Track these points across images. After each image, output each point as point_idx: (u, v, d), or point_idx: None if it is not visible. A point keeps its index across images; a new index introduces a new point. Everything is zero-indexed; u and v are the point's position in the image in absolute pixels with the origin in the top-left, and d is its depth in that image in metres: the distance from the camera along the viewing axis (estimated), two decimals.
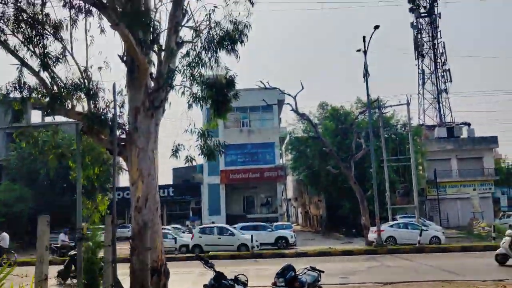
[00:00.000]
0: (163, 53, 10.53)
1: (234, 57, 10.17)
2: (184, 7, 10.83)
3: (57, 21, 10.62)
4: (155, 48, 10.56)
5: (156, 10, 10.48)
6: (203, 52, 10.17)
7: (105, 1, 9.39)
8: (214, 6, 9.89)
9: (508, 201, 46.86)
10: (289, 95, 31.22)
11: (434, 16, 54.71)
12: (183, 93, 10.13)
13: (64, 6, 10.51)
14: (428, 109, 56.05)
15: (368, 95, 27.18)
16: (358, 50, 25.68)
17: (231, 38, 10.01)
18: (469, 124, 52.30)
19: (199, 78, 10.38)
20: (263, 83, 29.29)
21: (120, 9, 10.18)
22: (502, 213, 42.14)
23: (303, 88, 29.41)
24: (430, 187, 45.96)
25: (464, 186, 46.55)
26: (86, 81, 10.33)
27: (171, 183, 51.97)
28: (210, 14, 9.93)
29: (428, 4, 54.87)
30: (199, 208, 45.94)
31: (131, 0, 10.08)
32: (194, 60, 10.19)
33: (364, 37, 25.08)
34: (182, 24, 10.74)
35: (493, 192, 47.14)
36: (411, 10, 55.10)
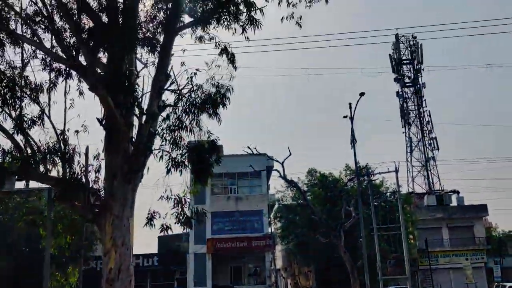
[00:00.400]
0: (144, 117, 10.29)
1: (216, 120, 9.93)
2: (167, 71, 10.74)
3: (37, 84, 10.44)
4: (137, 111, 10.32)
5: (137, 73, 10.32)
6: (184, 115, 9.93)
7: (85, 63, 9.24)
8: (196, 70, 9.79)
9: (501, 271, 45.67)
10: (277, 161, 31.03)
11: (418, 86, 56.12)
12: (161, 157, 9.73)
13: (44, 69, 10.36)
14: (417, 177, 56.04)
15: (356, 162, 27.05)
16: (345, 117, 25.85)
17: (213, 102, 9.82)
18: (458, 192, 52.13)
19: (179, 142, 10.06)
20: (250, 149, 29.13)
21: (101, 72, 10.05)
22: (496, 284, 40.94)
23: (290, 154, 29.29)
24: (422, 257, 44.84)
25: (456, 255, 45.54)
26: (62, 144, 9.97)
27: (156, 251, 50.26)
28: (191, 77, 9.79)
29: (412, 75, 56.42)
30: (184, 279, 44.13)
31: (112, 63, 9.97)
32: (174, 124, 9.92)
33: (350, 104, 25.36)
34: (165, 87, 10.58)
35: (486, 262, 46.08)
36: (396, 80, 56.55)
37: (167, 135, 9.88)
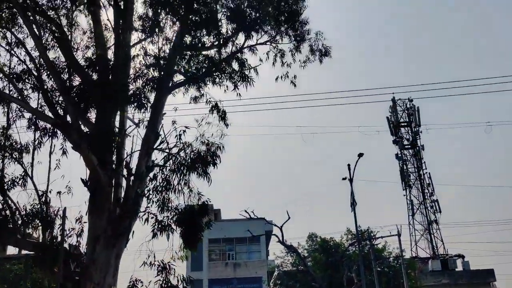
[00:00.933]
0: (131, 177, 9.81)
1: (206, 181, 9.44)
2: (157, 130, 10.41)
3: (22, 145, 10.07)
4: (124, 171, 9.87)
5: (125, 131, 9.96)
6: (172, 175, 9.45)
7: (69, 120, 8.90)
8: (186, 127, 9.42)
9: None
10: (276, 225, 30.10)
11: (417, 148, 55.98)
12: (146, 220, 9.14)
13: (29, 127, 10.02)
14: (420, 241, 54.54)
15: (356, 225, 26.19)
16: (344, 179, 25.31)
17: (203, 161, 9.37)
18: (463, 257, 50.52)
19: (167, 204, 9.50)
20: (247, 213, 28.34)
21: (88, 130, 9.69)
22: None
23: (289, 217, 28.42)
24: None
25: None
26: (43, 207, 9.42)
27: None
28: (180, 135, 9.41)
29: (410, 137, 56.46)
30: None
31: (100, 122, 9.65)
32: (161, 184, 9.42)
33: (349, 165, 24.91)
34: (154, 147, 10.18)
35: None
36: (394, 142, 56.49)
37: (154, 196, 9.35)
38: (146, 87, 11.26)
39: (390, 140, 56.62)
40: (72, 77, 9.99)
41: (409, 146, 56.37)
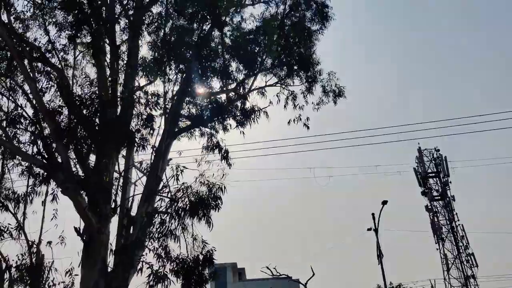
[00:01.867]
0: (130, 225, 9.09)
1: (208, 226, 8.61)
2: (159, 174, 9.78)
3: (15, 192, 9.54)
4: (125, 221, 9.16)
5: (121, 173, 9.33)
6: (171, 221, 8.66)
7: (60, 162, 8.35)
8: (183, 167, 8.73)
9: None
10: (300, 282, 28.54)
11: (448, 199, 53.86)
12: (140, 270, 8.29)
13: (22, 174, 9.51)
14: None
15: (385, 280, 24.46)
16: (369, 229, 23.90)
17: (203, 204, 8.59)
18: None
19: (166, 253, 8.65)
20: (270, 269, 27.00)
21: (83, 176, 9.11)
22: None
23: (314, 274, 26.93)
24: None
25: None
26: (34, 257, 8.72)
27: None
28: (178, 175, 8.72)
29: (440, 188, 54.50)
30: None
31: (97, 165, 9.07)
32: (160, 231, 8.63)
33: (373, 214, 23.55)
34: (156, 191, 9.51)
35: None
36: (423, 193, 54.54)
37: (150, 244, 8.54)
38: (150, 131, 10.79)
39: (415, 186, 54.81)
40: (71, 120, 9.53)
41: (439, 198, 54.32)
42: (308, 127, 13.59)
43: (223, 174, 8.96)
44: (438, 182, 54.88)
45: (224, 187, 8.73)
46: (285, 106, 13.87)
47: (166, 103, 11.44)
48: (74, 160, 9.06)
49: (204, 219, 8.59)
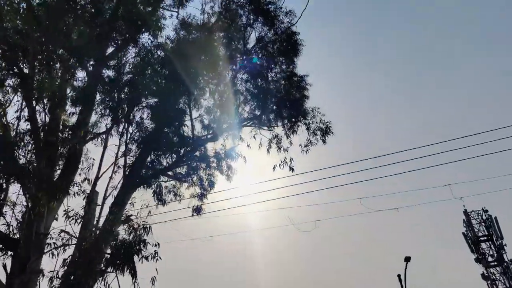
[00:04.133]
0: None
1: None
2: None
3: None
4: None
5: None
6: None
7: None
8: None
9: None
10: None
11: (505, 264, 48.93)
12: None
13: None
14: None
15: None
16: None
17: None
18: None
19: None
20: None
21: None
22: None
23: None
24: None
25: None
26: None
27: None
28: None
29: (495, 252, 49.85)
30: None
31: None
32: None
33: (399, 276, 20.55)
34: None
35: None
36: (477, 260, 49.95)
37: None
38: None
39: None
40: None
41: (495, 263, 49.45)
42: (292, 170, 12.23)
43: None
44: (492, 245, 50.38)
45: (149, 227, 7.34)
46: (268, 151, 12.72)
47: None
48: None
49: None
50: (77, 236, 8.02)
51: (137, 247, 7.20)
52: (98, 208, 8.71)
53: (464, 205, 54.09)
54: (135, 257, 7.16)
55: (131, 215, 8.65)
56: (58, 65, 10.35)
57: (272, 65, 13.76)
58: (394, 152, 11.97)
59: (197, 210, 12.79)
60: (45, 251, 8.11)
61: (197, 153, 12.82)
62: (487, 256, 50.02)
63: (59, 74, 10.89)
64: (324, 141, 12.55)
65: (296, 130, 12.63)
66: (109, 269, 7.11)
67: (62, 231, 8.25)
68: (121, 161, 10.52)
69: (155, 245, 7.55)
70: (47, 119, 9.68)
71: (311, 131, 12.62)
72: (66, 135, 9.66)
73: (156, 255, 7.46)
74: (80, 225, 8.28)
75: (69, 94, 10.95)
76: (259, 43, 13.85)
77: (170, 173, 12.56)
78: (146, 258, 7.40)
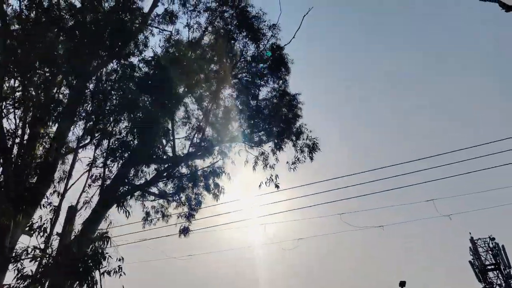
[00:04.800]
0: None
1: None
2: None
3: None
4: None
5: None
6: None
7: None
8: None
9: None
10: None
11: None
12: None
13: None
14: None
15: None
16: None
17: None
18: None
19: None
20: None
21: None
22: None
23: None
24: None
25: None
26: None
27: None
28: None
29: (503, 282, 48.53)
30: None
31: None
32: None
33: None
34: None
35: None
36: None
37: None
38: None
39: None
40: None
41: None
42: (278, 187, 11.82)
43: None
44: (499, 275, 49.10)
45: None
46: (254, 168, 12.37)
47: None
48: None
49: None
50: (42, 250, 7.67)
51: (96, 260, 6.79)
52: (68, 221, 8.39)
53: (470, 233, 53.07)
54: (96, 272, 6.76)
55: (106, 232, 8.32)
56: (36, 78, 10.17)
57: (263, 83, 13.54)
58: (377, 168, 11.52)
59: (185, 231, 12.43)
60: (10, 266, 7.75)
61: (185, 170, 12.54)
62: (495, 286, 48.73)
63: (41, 86, 10.72)
64: (311, 158, 12.20)
65: (283, 147, 12.31)
66: (67, 284, 6.71)
67: (28, 247, 7.89)
68: (97, 174, 10.23)
69: (119, 260, 7.16)
70: (19, 132, 9.47)
71: (298, 148, 12.29)
72: (42, 148, 9.40)
73: (120, 270, 7.06)
74: (43, 238, 7.92)
75: (51, 107, 10.75)
76: (250, 61, 13.67)
77: (156, 191, 12.25)
78: (109, 273, 7.00)
